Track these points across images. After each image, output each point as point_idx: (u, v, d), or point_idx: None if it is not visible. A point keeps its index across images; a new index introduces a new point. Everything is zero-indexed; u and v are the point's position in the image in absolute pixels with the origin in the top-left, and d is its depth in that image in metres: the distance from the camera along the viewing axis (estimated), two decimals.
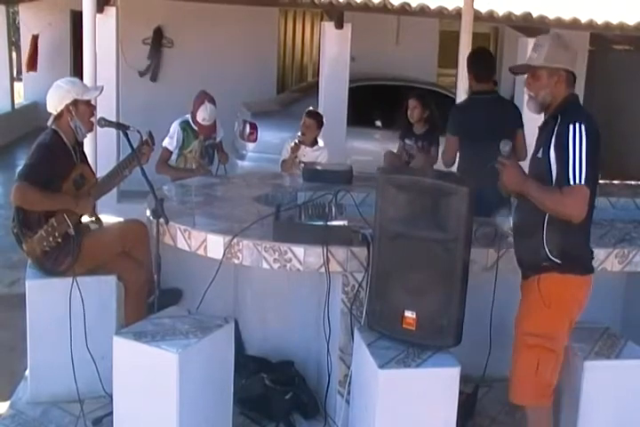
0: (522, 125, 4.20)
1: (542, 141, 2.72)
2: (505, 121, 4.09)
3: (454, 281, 2.75)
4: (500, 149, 2.81)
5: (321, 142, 5.46)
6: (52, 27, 11.54)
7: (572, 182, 2.55)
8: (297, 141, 5.24)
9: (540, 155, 2.71)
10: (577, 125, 2.58)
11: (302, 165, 5.01)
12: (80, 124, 3.44)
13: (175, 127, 5.01)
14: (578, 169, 2.54)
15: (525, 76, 2.83)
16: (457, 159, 4.37)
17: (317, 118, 5.34)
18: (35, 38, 11.42)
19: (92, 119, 3.50)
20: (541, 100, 2.76)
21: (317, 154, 5.34)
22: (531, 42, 7.34)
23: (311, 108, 5.56)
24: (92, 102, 3.55)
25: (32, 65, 11.50)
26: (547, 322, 2.76)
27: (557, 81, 2.73)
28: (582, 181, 2.54)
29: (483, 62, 4.32)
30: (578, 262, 2.76)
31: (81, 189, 3.47)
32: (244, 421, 3.38)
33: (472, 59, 4.41)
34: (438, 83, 9.27)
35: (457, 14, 7.05)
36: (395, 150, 5.62)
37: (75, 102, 3.41)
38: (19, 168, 3.42)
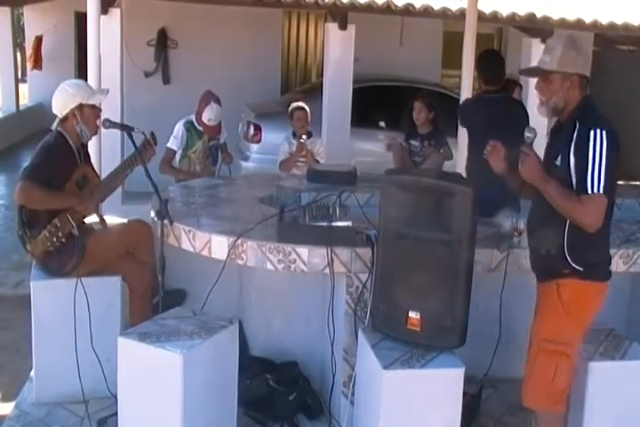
0: (528, 125, 4.19)
1: (560, 148, 2.65)
2: (511, 121, 4.09)
3: (458, 282, 2.75)
4: (524, 136, 2.74)
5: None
6: (56, 28, 11.56)
7: (589, 191, 2.50)
8: (301, 140, 5.30)
9: (558, 162, 2.64)
10: (598, 132, 2.52)
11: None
12: (85, 128, 3.44)
13: (179, 128, 5.02)
14: (597, 178, 2.49)
15: (536, 79, 2.77)
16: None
17: (305, 109, 5.41)
18: (38, 39, 11.44)
19: (98, 122, 3.50)
20: (553, 104, 2.70)
21: (315, 143, 5.42)
22: (535, 42, 7.42)
23: (295, 104, 5.57)
24: (97, 105, 3.55)
25: (36, 63, 11.49)
26: (565, 329, 2.72)
27: (570, 86, 2.67)
28: (600, 191, 2.49)
29: (493, 65, 4.34)
30: (598, 269, 2.72)
31: (83, 189, 3.48)
32: (249, 422, 3.38)
33: (482, 61, 4.43)
34: (442, 84, 9.27)
35: (461, 15, 7.05)
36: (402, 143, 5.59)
37: (80, 106, 3.41)
38: None
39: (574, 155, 2.56)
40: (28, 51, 11.82)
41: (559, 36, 2.79)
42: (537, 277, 2.86)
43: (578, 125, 2.60)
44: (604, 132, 2.53)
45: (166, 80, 9.38)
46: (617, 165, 2.56)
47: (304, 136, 5.33)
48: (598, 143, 2.51)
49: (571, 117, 2.67)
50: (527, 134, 2.75)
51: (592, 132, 2.53)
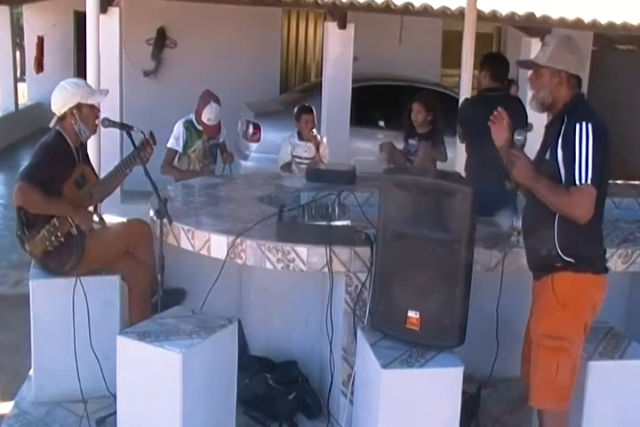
0: (526, 124, 4.20)
1: (549, 142, 2.70)
2: (511, 119, 4.10)
3: (457, 281, 2.75)
4: (514, 138, 2.79)
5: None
6: (55, 27, 11.55)
7: (577, 182, 2.53)
8: (322, 140, 5.39)
9: (547, 156, 2.69)
10: (583, 124, 2.57)
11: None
12: (83, 127, 3.44)
13: (179, 127, 5.01)
14: (584, 169, 2.53)
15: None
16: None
17: (312, 112, 5.41)
18: (40, 40, 11.43)
19: (97, 122, 3.50)
20: (540, 99, 2.76)
21: (321, 145, 5.46)
22: (534, 42, 7.41)
23: (303, 105, 5.57)
24: (96, 105, 3.54)
25: (39, 66, 11.49)
26: (563, 323, 2.73)
27: (558, 82, 2.72)
28: (588, 181, 2.53)
29: (499, 62, 4.52)
30: (591, 261, 2.74)
31: (82, 188, 3.48)
32: (248, 421, 3.39)
33: (491, 59, 4.62)
34: (441, 83, 9.27)
35: (460, 14, 7.05)
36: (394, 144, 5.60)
37: (79, 106, 3.41)
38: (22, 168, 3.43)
39: (562, 148, 2.61)
40: (33, 52, 11.77)
41: (556, 33, 2.83)
42: (533, 276, 2.87)
43: (566, 120, 2.64)
44: (589, 125, 2.57)
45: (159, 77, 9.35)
46: (605, 158, 2.59)
47: (322, 139, 5.40)
48: (584, 136, 2.55)
49: (561, 113, 2.72)
50: (517, 137, 2.80)
51: (578, 125, 2.57)
